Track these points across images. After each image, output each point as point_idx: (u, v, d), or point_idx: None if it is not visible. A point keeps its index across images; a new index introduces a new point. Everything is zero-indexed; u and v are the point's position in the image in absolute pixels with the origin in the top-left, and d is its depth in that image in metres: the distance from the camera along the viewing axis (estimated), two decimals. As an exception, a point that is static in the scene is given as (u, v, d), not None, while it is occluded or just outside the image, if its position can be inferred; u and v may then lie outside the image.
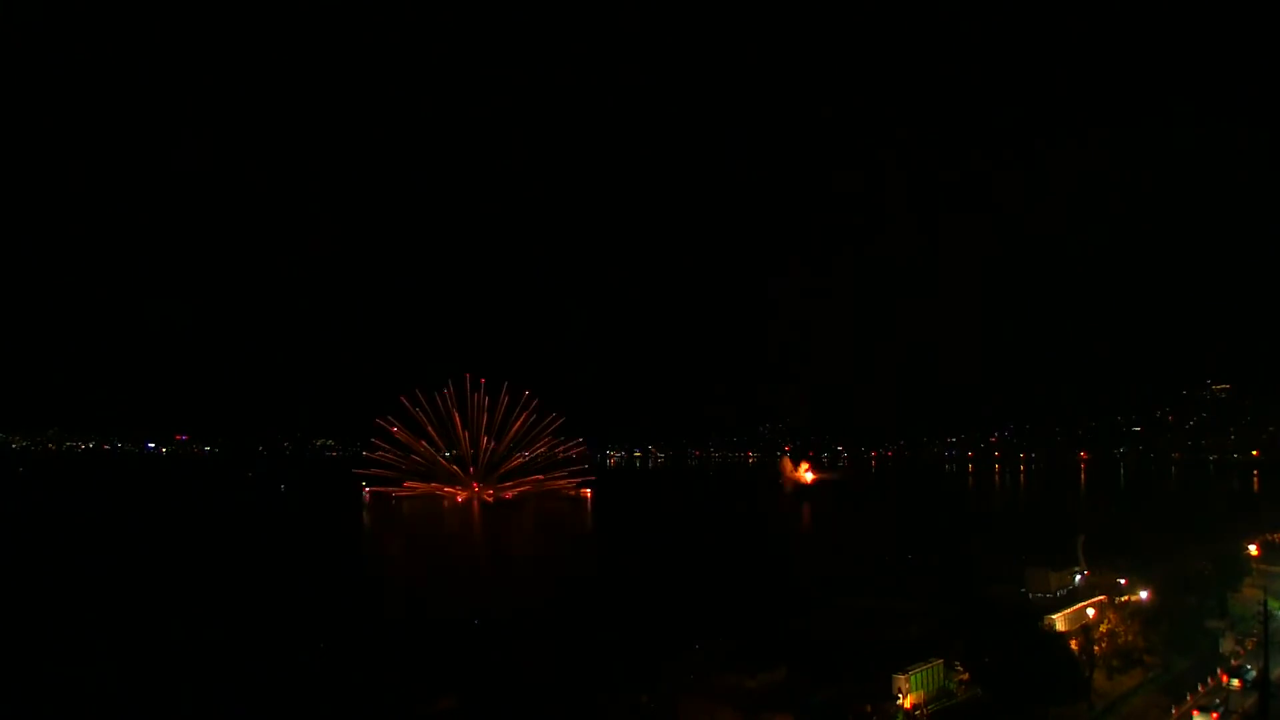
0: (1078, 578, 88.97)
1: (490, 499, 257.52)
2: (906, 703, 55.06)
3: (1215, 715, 52.92)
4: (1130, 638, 64.98)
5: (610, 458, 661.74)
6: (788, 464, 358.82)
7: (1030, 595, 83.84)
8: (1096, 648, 62.66)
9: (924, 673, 56.89)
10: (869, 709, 54.29)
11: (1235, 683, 57.97)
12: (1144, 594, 79.98)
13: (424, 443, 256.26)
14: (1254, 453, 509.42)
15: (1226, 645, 67.40)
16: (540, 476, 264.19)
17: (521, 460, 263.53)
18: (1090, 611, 70.39)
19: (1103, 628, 66.01)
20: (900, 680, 55.53)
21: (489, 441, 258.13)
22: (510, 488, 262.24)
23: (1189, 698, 56.99)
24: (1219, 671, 60.96)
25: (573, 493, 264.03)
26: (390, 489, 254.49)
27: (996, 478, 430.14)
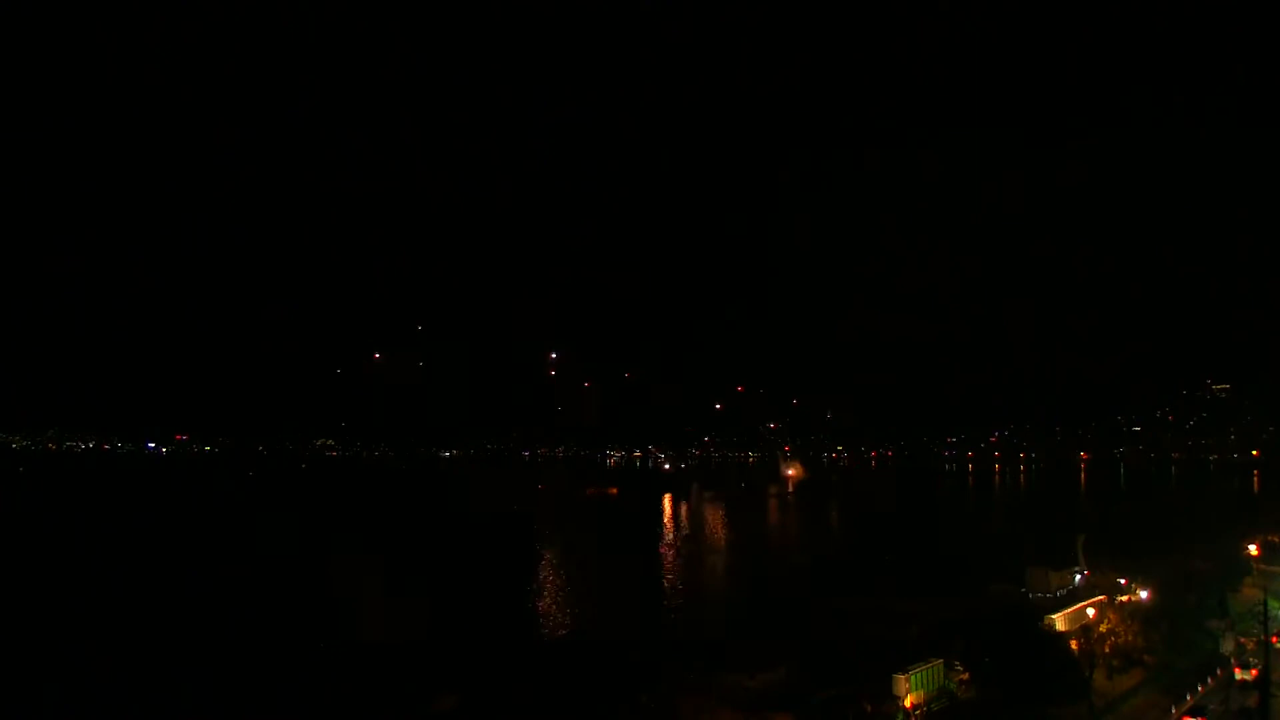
0: (1078, 578, 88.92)
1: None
2: (906, 703, 55.06)
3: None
4: (1130, 638, 65.05)
5: (610, 458, 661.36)
6: (782, 463, 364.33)
7: (1030, 595, 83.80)
8: (1097, 648, 62.68)
9: (924, 673, 56.83)
10: (869, 709, 54.26)
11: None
12: (1144, 594, 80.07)
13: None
14: (1254, 453, 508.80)
15: (1227, 645, 67.42)
16: None
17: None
18: (1090, 611, 70.41)
19: (1103, 628, 66.05)
20: (900, 680, 55.52)
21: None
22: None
23: (1189, 698, 57.01)
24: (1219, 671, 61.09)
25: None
26: None
27: (996, 478, 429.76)
